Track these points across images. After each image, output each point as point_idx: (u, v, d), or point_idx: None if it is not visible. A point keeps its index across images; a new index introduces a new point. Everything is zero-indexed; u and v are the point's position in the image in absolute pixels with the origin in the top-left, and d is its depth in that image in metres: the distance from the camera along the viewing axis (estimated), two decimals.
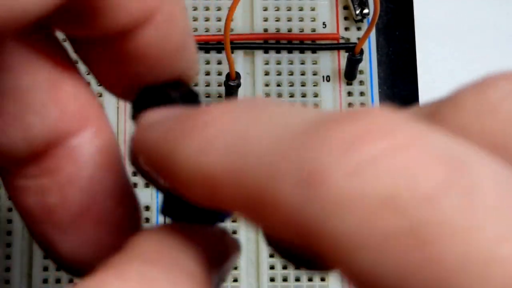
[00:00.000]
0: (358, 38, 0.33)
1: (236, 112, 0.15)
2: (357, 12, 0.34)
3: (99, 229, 0.18)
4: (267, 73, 0.33)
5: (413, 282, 0.12)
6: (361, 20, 0.34)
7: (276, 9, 0.34)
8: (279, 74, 0.33)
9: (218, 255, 0.17)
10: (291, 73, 0.33)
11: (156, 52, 0.18)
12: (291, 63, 0.33)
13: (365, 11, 0.33)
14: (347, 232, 0.13)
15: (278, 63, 0.34)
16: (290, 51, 0.34)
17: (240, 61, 0.34)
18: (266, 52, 0.34)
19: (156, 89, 0.19)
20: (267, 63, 0.34)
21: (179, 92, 0.19)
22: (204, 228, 0.17)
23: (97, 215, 0.18)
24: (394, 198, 0.12)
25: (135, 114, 0.18)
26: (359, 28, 0.34)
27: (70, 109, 0.17)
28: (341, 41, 0.34)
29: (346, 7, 0.34)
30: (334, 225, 0.13)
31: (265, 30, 0.34)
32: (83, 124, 0.18)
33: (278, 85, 0.33)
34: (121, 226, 0.18)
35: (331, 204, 0.13)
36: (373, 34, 0.34)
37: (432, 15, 0.35)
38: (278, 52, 0.34)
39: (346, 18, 0.34)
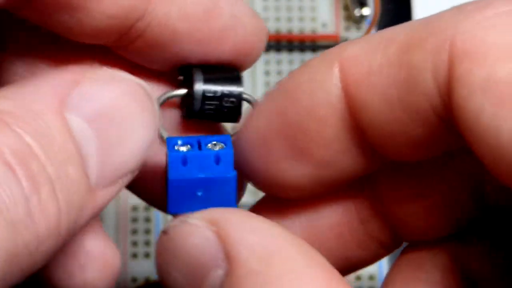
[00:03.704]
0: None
1: None
2: (357, 12, 0.34)
3: None
4: (267, 73, 0.33)
5: None
6: (361, 21, 0.34)
7: (276, 9, 0.34)
8: (279, 74, 0.33)
9: None
10: None
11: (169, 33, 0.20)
12: (291, 63, 0.34)
13: (365, 11, 0.34)
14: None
15: (278, 63, 0.34)
16: (290, 51, 0.34)
17: None
18: (266, 52, 0.34)
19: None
20: (267, 63, 0.34)
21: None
22: None
23: None
24: None
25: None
26: (359, 28, 0.34)
27: None
28: (341, 41, 0.34)
29: (346, 7, 0.34)
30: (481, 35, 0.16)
31: None
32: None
33: None
34: None
35: (478, 19, 0.16)
36: None
37: None
38: (278, 52, 0.34)
39: (346, 18, 0.34)
